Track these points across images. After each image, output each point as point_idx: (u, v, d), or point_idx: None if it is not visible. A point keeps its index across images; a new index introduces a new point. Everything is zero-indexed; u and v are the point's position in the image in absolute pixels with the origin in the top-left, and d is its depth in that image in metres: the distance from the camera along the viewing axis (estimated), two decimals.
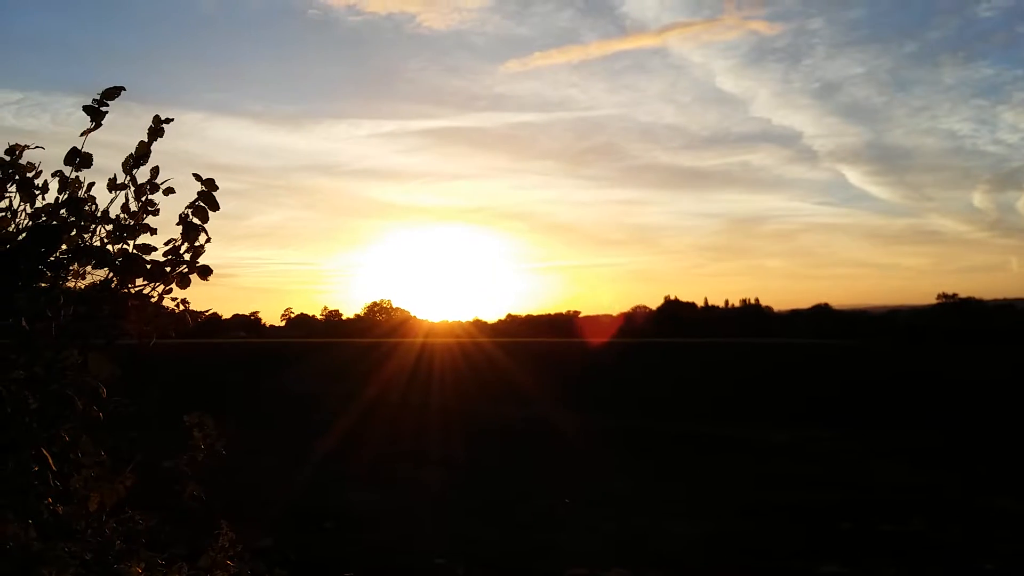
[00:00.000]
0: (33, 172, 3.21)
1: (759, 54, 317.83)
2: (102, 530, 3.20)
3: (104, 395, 2.88)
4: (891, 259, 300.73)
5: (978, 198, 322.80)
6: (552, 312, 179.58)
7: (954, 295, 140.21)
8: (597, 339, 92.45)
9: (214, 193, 3.17)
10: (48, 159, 3.25)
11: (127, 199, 3.17)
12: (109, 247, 3.08)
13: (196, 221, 3.13)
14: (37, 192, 3.16)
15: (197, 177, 3.15)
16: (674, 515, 14.74)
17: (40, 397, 2.79)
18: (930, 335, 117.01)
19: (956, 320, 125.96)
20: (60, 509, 2.96)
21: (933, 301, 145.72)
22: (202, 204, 3.14)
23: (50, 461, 2.72)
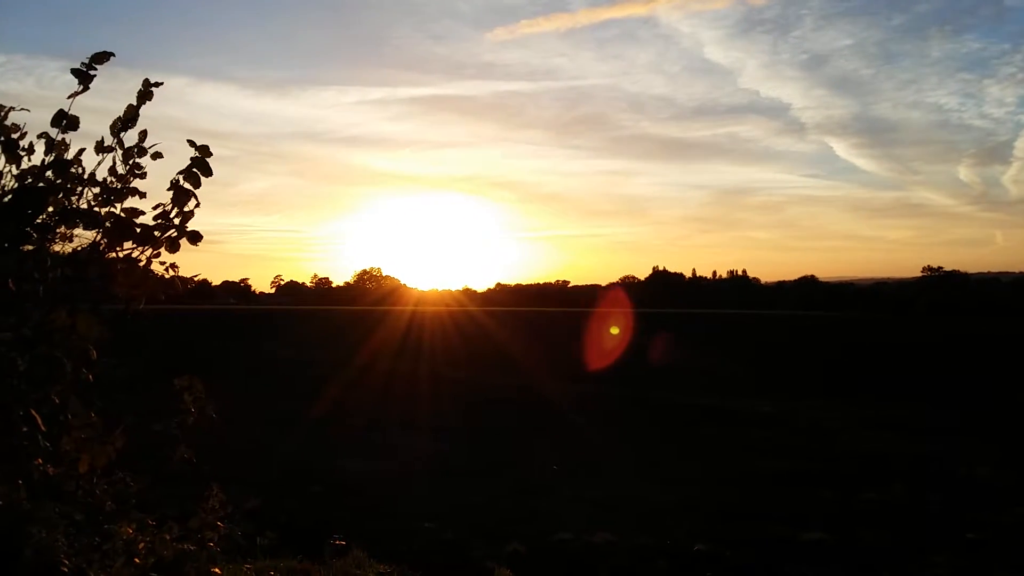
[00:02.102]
0: (18, 134, 3.18)
1: (748, 25, 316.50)
2: (92, 491, 3.22)
3: (94, 357, 2.89)
4: (877, 232, 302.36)
5: (964, 172, 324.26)
6: (541, 282, 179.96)
7: (939, 268, 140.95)
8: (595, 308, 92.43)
9: (207, 159, 3.16)
10: (33, 123, 3.23)
11: (115, 162, 3.15)
12: (97, 210, 3.07)
13: (187, 186, 3.11)
14: (23, 154, 3.14)
15: (191, 143, 3.13)
16: (660, 482, 14.89)
17: (28, 359, 2.79)
18: (914, 307, 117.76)
19: (940, 293, 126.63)
20: (50, 470, 2.97)
21: (918, 274, 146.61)
22: (195, 170, 3.12)
23: (39, 422, 2.73)
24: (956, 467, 16.16)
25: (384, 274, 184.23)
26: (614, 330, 60.74)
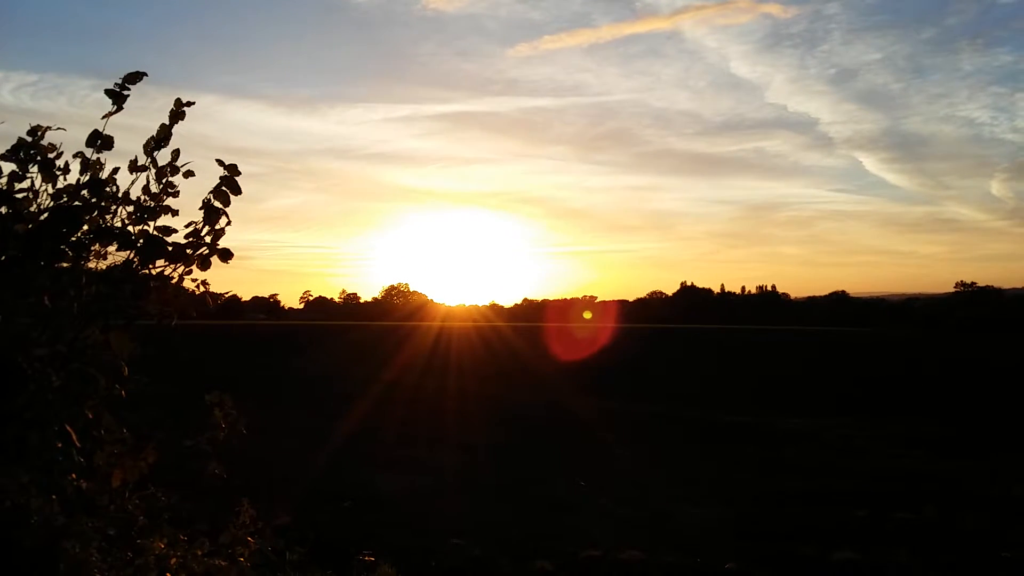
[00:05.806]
0: (54, 153, 3.24)
1: (774, 39, 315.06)
2: (124, 506, 3.25)
3: (126, 374, 2.93)
4: (908, 247, 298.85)
5: (996, 186, 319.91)
6: (568, 297, 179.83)
7: (972, 284, 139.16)
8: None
9: (236, 178, 3.20)
10: (67, 141, 3.29)
11: (148, 181, 3.20)
12: (130, 228, 3.12)
13: (218, 205, 3.16)
14: (58, 173, 3.20)
15: (220, 162, 3.18)
16: (689, 499, 14.77)
17: (63, 375, 2.83)
18: (947, 323, 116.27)
19: (973, 309, 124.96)
20: (83, 485, 3.01)
21: (950, 289, 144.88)
22: (224, 188, 3.17)
23: (74, 438, 2.77)
24: (990, 486, 15.88)
25: (412, 290, 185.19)
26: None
